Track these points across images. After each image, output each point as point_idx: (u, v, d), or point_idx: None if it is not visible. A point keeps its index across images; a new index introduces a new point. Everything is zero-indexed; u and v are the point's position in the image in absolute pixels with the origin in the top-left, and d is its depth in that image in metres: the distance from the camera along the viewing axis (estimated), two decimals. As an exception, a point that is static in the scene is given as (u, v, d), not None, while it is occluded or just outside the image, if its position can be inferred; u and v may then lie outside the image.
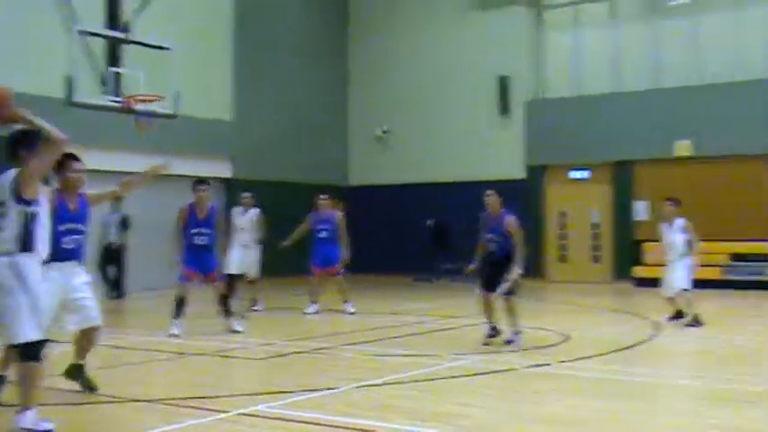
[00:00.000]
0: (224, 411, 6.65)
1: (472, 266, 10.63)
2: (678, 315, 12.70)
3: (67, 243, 7.02)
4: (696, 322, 12.27)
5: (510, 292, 10.18)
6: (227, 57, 22.50)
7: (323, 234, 14.50)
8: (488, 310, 10.43)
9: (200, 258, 11.53)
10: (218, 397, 7.32)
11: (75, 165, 7.12)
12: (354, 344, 10.63)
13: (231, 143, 22.39)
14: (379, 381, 8.05)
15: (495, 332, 10.50)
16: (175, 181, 20.74)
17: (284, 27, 24.30)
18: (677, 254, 12.63)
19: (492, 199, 10.44)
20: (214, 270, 11.77)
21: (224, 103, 22.35)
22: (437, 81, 24.68)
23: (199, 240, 11.51)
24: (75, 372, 7.41)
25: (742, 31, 21.00)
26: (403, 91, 25.22)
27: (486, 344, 10.21)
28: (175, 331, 11.31)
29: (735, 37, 21.02)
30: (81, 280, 7.12)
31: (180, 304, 11.47)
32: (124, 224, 17.80)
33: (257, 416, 6.53)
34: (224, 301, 11.83)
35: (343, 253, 14.47)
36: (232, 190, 22.49)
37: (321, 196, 14.85)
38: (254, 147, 22.91)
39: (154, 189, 20.27)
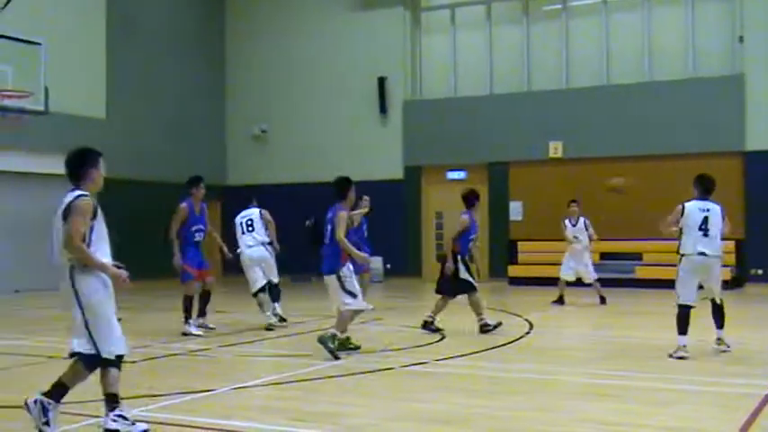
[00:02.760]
0: (97, 416, 6.48)
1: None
2: (561, 300, 15.63)
3: None
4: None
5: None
6: (101, 53, 21.88)
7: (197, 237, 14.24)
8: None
9: (199, 255, 11.86)
10: (90, 401, 7.13)
11: None
12: (232, 345, 10.54)
13: (105, 141, 21.69)
14: (257, 382, 8.02)
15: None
16: (46, 180, 20.16)
17: (161, 24, 23.83)
18: (582, 246, 15.63)
19: None
20: (207, 266, 12.07)
21: (98, 101, 21.72)
22: (316, 80, 24.68)
23: (198, 237, 11.84)
24: None
25: (611, 37, 21.87)
26: (282, 90, 25.11)
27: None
28: (195, 331, 11.52)
29: (604, 42, 21.88)
30: None
31: (192, 304, 11.66)
32: None
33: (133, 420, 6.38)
34: (207, 298, 11.99)
35: None
36: (106, 190, 21.89)
37: None
38: (130, 146, 22.34)
39: (24, 189, 19.67)
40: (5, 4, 13.36)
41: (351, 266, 9.65)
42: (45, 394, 6.00)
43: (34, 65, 13.63)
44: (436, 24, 24.08)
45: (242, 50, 25.88)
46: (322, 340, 9.30)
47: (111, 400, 6.05)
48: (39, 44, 13.80)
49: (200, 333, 11.62)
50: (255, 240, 12.71)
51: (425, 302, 17.45)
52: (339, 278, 9.48)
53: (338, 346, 9.42)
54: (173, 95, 23.98)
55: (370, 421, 6.45)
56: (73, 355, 6.07)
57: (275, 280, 13.04)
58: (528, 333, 11.71)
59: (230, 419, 6.42)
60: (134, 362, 9.34)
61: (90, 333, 6.03)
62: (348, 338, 9.82)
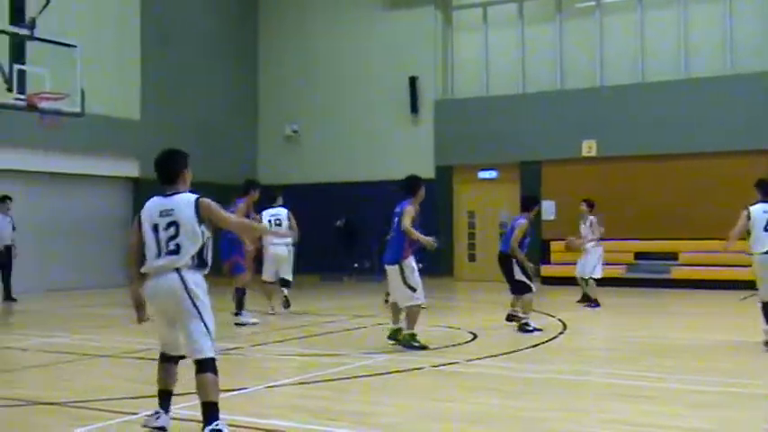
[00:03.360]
0: (132, 413, 6.59)
1: None
2: (585, 299, 15.28)
3: None
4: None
5: None
6: (136, 55, 22.13)
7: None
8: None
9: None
10: (125, 399, 7.24)
11: None
12: (264, 344, 10.62)
13: (139, 142, 22.01)
14: (288, 381, 8.09)
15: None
16: (81, 181, 20.42)
17: (194, 26, 24.03)
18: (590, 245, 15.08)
19: None
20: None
21: (132, 103, 21.98)
22: (348, 80, 24.75)
23: None
24: None
25: (645, 34, 21.70)
26: (313, 90, 25.21)
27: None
28: (251, 319, 12.48)
29: (639, 39, 21.71)
30: None
31: (245, 295, 12.53)
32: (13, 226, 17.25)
33: (166, 418, 6.48)
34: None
35: None
36: (140, 190, 22.16)
37: None
38: (163, 146, 22.19)
39: (60, 189, 19.96)
40: (43, 8, 13.55)
41: (413, 261, 9.95)
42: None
43: (70, 67, 13.80)
44: (468, 23, 24.04)
45: (274, 51, 26.02)
46: (406, 345, 9.80)
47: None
48: (75, 47, 13.96)
49: (256, 321, 12.40)
50: (281, 239, 13.45)
51: (456, 303, 17.50)
52: (401, 269, 9.73)
53: (408, 337, 9.84)
54: (206, 96, 24.16)
55: (400, 420, 6.47)
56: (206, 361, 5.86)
57: (289, 278, 14.11)
58: (561, 333, 11.66)
59: (262, 418, 6.49)
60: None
61: (210, 334, 5.95)
62: (399, 330, 10.05)
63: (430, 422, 6.47)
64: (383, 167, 23.76)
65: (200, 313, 5.85)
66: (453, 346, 10.42)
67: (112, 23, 21.46)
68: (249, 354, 10.02)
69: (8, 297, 17.05)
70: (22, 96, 13.18)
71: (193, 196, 6.10)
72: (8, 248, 17.09)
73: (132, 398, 7.29)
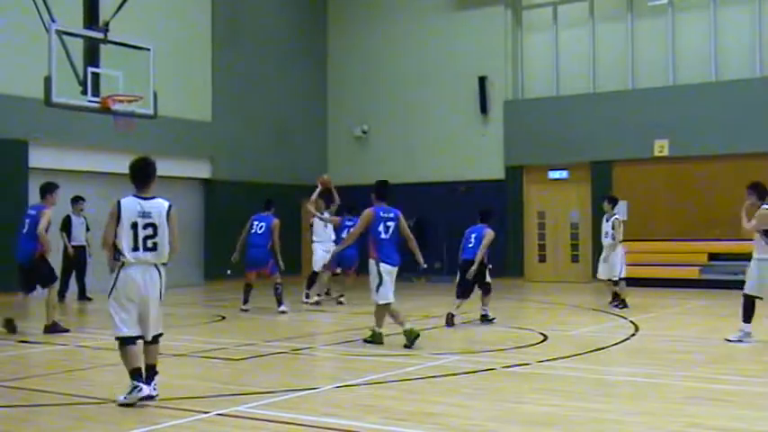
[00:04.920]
0: (204, 412, 6.64)
1: None
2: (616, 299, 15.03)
3: None
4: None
5: None
6: (207, 58, 22.44)
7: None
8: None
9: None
10: (198, 397, 7.31)
11: None
12: (334, 344, 10.63)
13: (210, 144, 22.33)
14: (358, 381, 8.07)
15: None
16: (156, 182, 20.71)
17: (264, 27, 24.25)
18: (608, 244, 15.07)
19: None
20: None
21: (204, 104, 22.29)
22: (416, 81, 24.71)
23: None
24: None
25: (718, 32, 21.19)
26: (382, 91, 25.23)
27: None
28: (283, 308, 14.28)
29: (711, 37, 21.20)
30: None
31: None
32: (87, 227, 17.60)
33: (237, 416, 6.52)
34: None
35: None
36: (211, 191, 22.48)
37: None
38: (234, 147, 22.86)
39: (132, 190, 20.32)
40: (116, 11, 13.79)
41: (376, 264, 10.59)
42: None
43: (143, 69, 14.01)
44: (538, 22, 23.79)
45: (343, 52, 26.12)
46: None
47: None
48: (148, 49, 14.17)
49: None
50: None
51: (527, 303, 17.29)
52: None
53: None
54: (276, 97, 24.37)
55: (471, 422, 6.40)
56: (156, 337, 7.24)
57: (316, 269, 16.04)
58: (633, 335, 11.43)
59: (332, 417, 6.48)
60: (239, 359, 9.54)
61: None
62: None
63: (501, 423, 6.38)
64: (453, 168, 23.66)
65: (161, 300, 7.18)
66: (524, 347, 10.29)
67: (183, 25, 21.77)
68: (320, 354, 10.03)
69: (83, 296, 17.42)
70: (96, 99, 13.40)
71: (167, 203, 7.19)
72: (83, 249, 17.46)
73: (204, 397, 7.35)
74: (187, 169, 21.86)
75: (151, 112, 14.20)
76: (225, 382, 8.17)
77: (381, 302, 10.42)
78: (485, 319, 12.78)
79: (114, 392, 7.35)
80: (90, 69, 13.46)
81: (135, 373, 6.93)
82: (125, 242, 6.94)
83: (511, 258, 22.78)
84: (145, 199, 7.11)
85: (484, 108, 23.50)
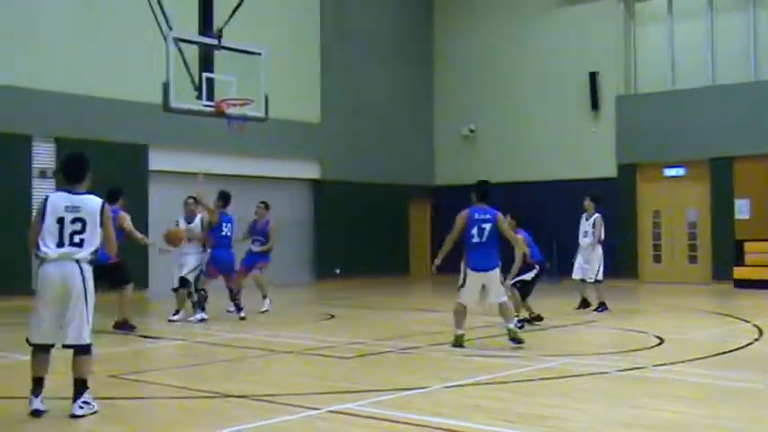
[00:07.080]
0: (315, 408, 6.69)
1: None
2: (584, 304, 14.64)
3: None
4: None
5: None
6: (315, 60, 22.73)
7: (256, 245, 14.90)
8: None
9: None
10: (308, 394, 7.37)
11: None
12: (443, 343, 10.57)
13: (319, 145, 22.60)
14: (468, 381, 7.98)
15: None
16: (266, 183, 21.14)
17: (370, 28, 24.40)
18: (587, 244, 14.53)
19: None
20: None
21: (312, 106, 22.59)
22: (524, 78, 24.40)
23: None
24: None
25: None
26: (489, 89, 25.02)
27: None
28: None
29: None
30: None
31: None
32: None
33: (348, 414, 6.54)
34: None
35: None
36: (320, 191, 22.74)
37: (259, 204, 15.08)
38: (342, 148, 23.08)
39: (244, 191, 20.77)
40: (228, 18, 14.10)
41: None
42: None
43: (254, 73, 14.28)
44: (651, 15, 23.14)
45: (450, 51, 26.02)
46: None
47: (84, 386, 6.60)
48: (259, 54, 14.44)
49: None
50: None
51: (642, 305, 16.81)
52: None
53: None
54: (383, 97, 24.49)
55: (583, 425, 6.23)
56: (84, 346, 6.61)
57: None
58: (756, 340, 10.94)
59: (440, 417, 6.42)
60: (348, 357, 9.59)
61: (89, 323, 6.67)
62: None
63: (616, 427, 6.19)
64: (563, 166, 23.25)
65: (86, 302, 6.57)
66: (640, 350, 9.99)
67: (292, 28, 22.11)
68: (429, 353, 9.99)
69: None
70: (210, 103, 13.73)
71: (100, 200, 6.81)
72: None
73: (316, 393, 7.40)
74: (297, 170, 22.19)
75: (262, 114, 14.44)
76: (334, 379, 8.22)
77: (459, 302, 10.30)
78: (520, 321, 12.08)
79: (228, 388, 7.49)
80: (205, 75, 13.79)
81: (33, 383, 6.52)
82: (48, 237, 6.55)
83: (624, 259, 22.17)
84: (75, 193, 6.71)
85: (595, 104, 23.03)
